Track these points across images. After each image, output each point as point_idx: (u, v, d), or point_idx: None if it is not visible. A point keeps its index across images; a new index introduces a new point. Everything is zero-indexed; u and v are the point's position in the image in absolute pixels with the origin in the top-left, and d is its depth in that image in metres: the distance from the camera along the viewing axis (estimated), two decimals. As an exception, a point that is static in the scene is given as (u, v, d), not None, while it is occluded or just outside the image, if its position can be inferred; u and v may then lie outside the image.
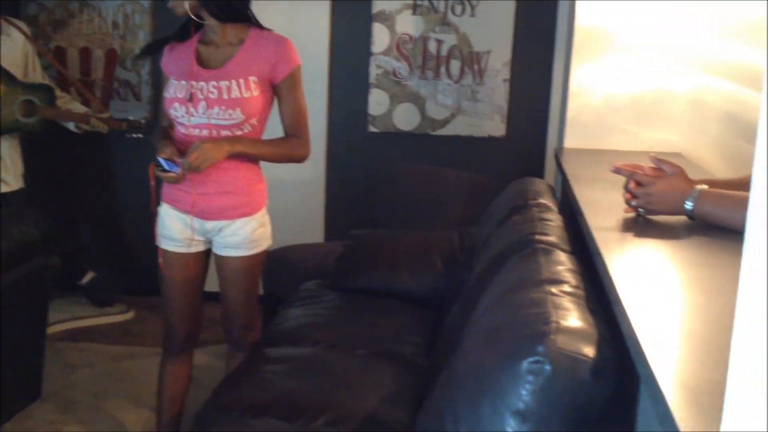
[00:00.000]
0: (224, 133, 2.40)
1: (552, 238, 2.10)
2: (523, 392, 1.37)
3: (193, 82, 2.39)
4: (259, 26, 2.47)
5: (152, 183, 2.40)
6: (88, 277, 4.25)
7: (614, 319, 1.42)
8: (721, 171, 2.66)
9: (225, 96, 2.37)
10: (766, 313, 0.74)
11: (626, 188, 1.94)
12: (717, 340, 1.16)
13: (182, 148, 2.41)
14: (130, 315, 4.25)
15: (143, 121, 3.60)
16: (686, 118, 3.23)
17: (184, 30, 2.50)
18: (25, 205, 3.57)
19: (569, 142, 3.35)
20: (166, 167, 2.35)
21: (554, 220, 2.32)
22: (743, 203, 0.80)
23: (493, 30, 4.07)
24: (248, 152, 2.42)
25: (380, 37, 4.14)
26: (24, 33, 3.55)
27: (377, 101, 4.21)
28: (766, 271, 0.74)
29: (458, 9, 4.07)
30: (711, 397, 0.97)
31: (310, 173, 4.21)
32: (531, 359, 1.37)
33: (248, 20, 2.45)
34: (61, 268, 3.21)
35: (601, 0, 3.19)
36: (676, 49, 3.19)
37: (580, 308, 1.56)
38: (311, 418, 2.03)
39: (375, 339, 2.57)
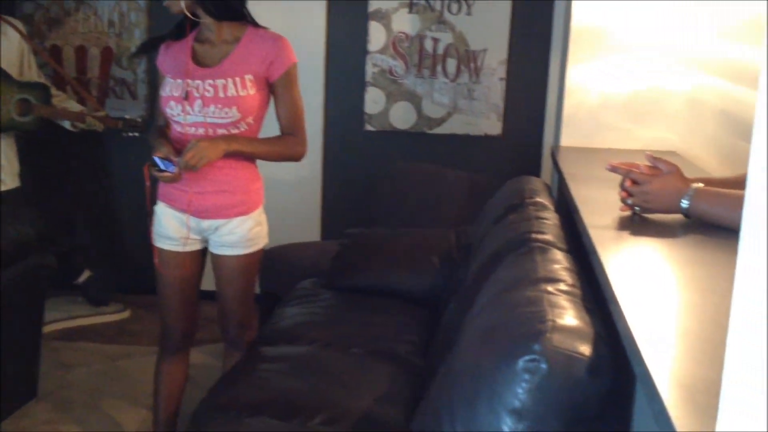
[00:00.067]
0: (220, 131, 2.40)
1: (548, 237, 2.10)
2: (519, 391, 1.37)
3: (189, 81, 2.39)
4: (255, 24, 2.47)
5: (147, 184, 2.40)
6: (84, 276, 4.24)
7: (610, 317, 1.42)
8: (717, 169, 2.66)
9: (221, 94, 2.37)
10: (761, 312, 0.74)
11: (622, 186, 1.94)
12: (713, 339, 1.16)
13: (178, 147, 2.40)
14: (126, 314, 4.25)
15: (139, 119, 3.59)
16: (682, 116, 3.23)
17: (180, 28, 2.49)
18: (21, 204, 3.56)
19: (565, 141, 3.36)
20: (162, 166, 2.34)
21: (550, 218, 2.32)
22: (739, 202, 0.80)
23: (489, 28, 4.07)
24: (245, 151, 2.41)
25: (376, 36, 4.14)
26: (19, 31, 3.54)
27: (373, 100, 4.20)
28: (762, 270, 0.74)
29: (454, 7, 4.07)
30: (707, 395, 0.97)
31: (307, 172, 4.21)
32: (527, 358, 1.37)
33: (244, 18, 2.45)
34: (57, 267, 3.20)
35: (598, -1, 3.20)
36: (672, 48, 3.19)
37: (576, 307, 1.56)
38: (307, 417, 2.03)
39: (371, 338, 2.56)
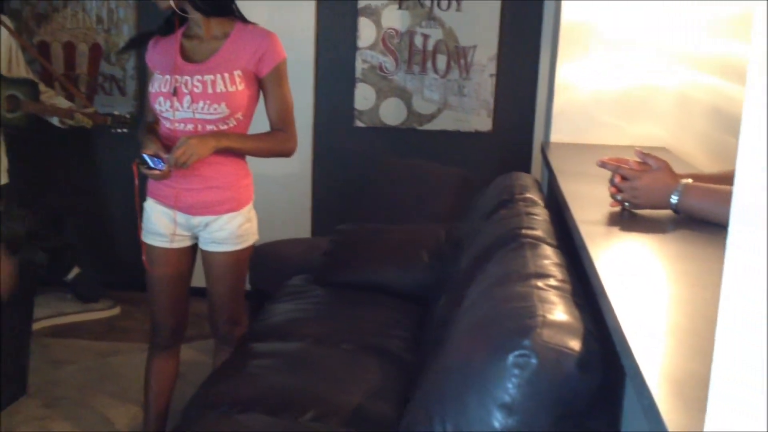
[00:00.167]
0: (209, 127, 2.39)
1: (538, 233, 2.11)
2: (509, 386, 1.37)
3: (178, 77, 2.38)
4: (244, 20, 2.46)
5: (136, 182, 2.39)
6: (74, 272, 4.23)
7: (600, 312, 1.43)
8: (707, 165, 2.67)
9: (210, 90, 2.36)
10: (750, 306, 0.75)
11: (612, 182, 1.95)
12: (702, 334, 1.16)
13: (167, 143, 2.39)
14: (116, 311, 4.24)
15: (128, 116, 3.57)
16: (672, 112, 3.24)
17: (169, 24, 2.48)
18: (9, 201, 3.54)
19: (555, 137, 3.36)
20: (151, 164, 2.33)
21: (540, 214, 2.32)
22: (728, 197, 0.80)
23: (479, 25, 4.07)
24: (234, 147, 2.41)
25: (366, 32, 4.14)
26: (7, 27, 3.52)
27: (363, 96, 4.20)
28: (750, 265, 0.75)
29: (444, 4, 4.07)
30: (696, 390, 0.98)
31: (297, 168, 4.20)
32: (517, 353, 1.37)
33: (233, 14, 2.44)
34: (46, 264, 3.19)
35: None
36: (661, 45, 3.20)
37: (566, 302, 1.56)
38: (298, 413, 2.03)
39: (361, 333, 2.57)
